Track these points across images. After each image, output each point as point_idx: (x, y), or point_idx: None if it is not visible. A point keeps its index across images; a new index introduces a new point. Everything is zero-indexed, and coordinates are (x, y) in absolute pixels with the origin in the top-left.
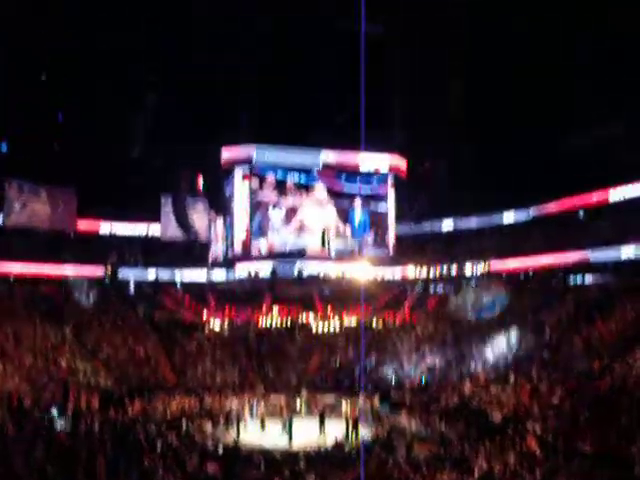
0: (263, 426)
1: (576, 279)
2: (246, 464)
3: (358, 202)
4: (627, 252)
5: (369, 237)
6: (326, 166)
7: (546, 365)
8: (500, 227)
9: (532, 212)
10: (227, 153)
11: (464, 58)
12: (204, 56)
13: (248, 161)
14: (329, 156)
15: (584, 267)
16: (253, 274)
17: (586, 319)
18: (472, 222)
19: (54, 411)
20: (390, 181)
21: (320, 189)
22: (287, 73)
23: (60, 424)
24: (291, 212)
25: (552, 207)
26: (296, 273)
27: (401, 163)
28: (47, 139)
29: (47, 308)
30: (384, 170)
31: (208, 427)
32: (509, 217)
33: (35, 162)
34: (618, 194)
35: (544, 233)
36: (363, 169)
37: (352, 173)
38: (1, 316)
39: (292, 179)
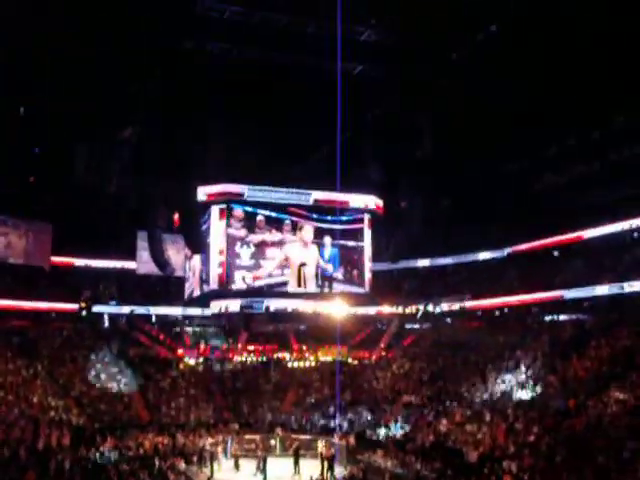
0: (237, 465)
1: (551, 317)
2: None
3: (329, 240)
4: (601, 290)
5: (340, 273)
6: (306, 206)
7: (522, 403)
8: (475, 265)
9: (507, 250)
10: (203, 191)
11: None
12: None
13: (224, 199)
14: (313, 195)
15: (559, 305)
16: (228, 310)
17: (561, 357)
18: (448, 260)
19: None
20: (366, 220)
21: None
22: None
23: None
24: (263, 248)
25: (526, 245)
26: (271, 309)
27: (378, 202)
28: (23, 173)
29: (20, 343)
30: (362, 209)
31: (181, 466)
32: (484, 255)
33: (11, 196)
34: (592, 232)
35: (519, 271)
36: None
37: (326, 212)
38: None
39: (266, 216)
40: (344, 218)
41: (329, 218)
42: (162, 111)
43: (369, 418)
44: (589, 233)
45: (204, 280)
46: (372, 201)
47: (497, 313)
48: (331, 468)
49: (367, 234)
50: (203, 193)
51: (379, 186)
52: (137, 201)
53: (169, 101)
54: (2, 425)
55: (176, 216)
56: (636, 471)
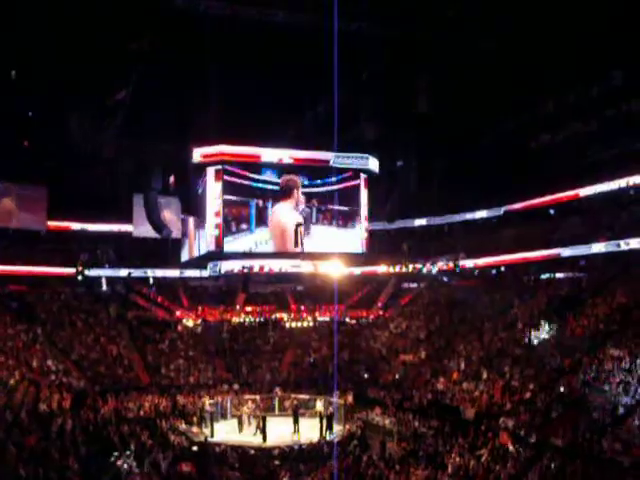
0: (237, 424)
1: (548, 275)
2: (220, 463)
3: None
4: (598, 248)
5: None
6: (299, 165)
7: (518, 361)
8: (472, 224)
9: (503, 209)
10: (198, 152)
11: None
12: (172, 56)
13: (220, 160)
14: (304, 155)
15: (555, 263)
16: (226, 272)
17: (558, 315)
18: (444, 219)
19: None
20: (362, 179)
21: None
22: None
23: None
24: (263, 210)
25: (523, 204)
26: (268, 270)
27: (373, 162)
28: (17, 136)
29: (18, 307)
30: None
31: (182, 426)
32: (481, 214)
33: (5, 160)
34: (589, 190)
35: (515, 229)
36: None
37: (324, 172)
38: None
39: (263, 178)
40: (337, 178)
41: (322, 181)
42: (157, 72)
43: (366, 377)
44: (586, 191)
45: (201, 242)
46: (369, 160)
47: (493, 272)
48: (330, 426)
49: (363, 194)
50: (198, 155)
51: (375, 145)
52: (133, 164)
53: (164, 62)
54: (3, 389)
55: (172, 178)
56: (630, 426)
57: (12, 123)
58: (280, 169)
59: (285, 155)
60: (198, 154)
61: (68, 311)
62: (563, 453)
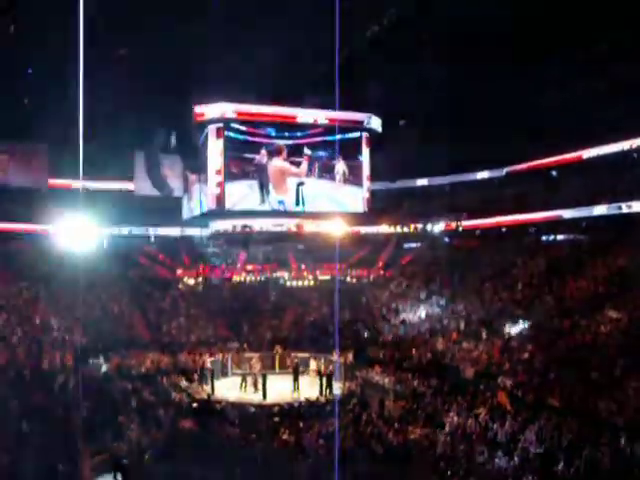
0: (244, 382)
1: (548, 236)
2: (221, 420)
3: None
4: (600, 210)
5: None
6: (301, 124)
7: (517, 322)
8: (473, 184)
9: (505, 170)
10: (200, 110)
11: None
12: (175, 11)
13: (221, 118)
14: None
15: (556, 224)
16: (226, 230)
17: (558, 276)
18: (446, 179)
19: None
20: (364, 138)
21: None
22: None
23: None
24: (263, 169)
25: (525, 165)
26: (269, 229)
27: (374, 121)
28: (17, 94)
29: (20, 265)
30: (358, 127)
31: (183, 383)
32: (483, 175)
33: (5, 118)
34: (592, 152)
35: (517, 190)
36: (337, 126)
37: (325, 130)
38: None
39: (265, 136)
40: (344, 138)
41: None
42: (159, 27)
43: (366, 336)
44: (589, 153)
45: (202, 201)
46: (371, 119)
47: (494, 232)
48: (329, 385)
49: (365, 153)
50: (200, 112)
51: (378, 104)
52: (134, 122)
53: (166, 16)
54: (6, 346)
55: (173, 136)
56: (627, 387)
57: (12, 80)
58: (278, 126)
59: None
60: (199, 111)
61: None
62: (559, 413)
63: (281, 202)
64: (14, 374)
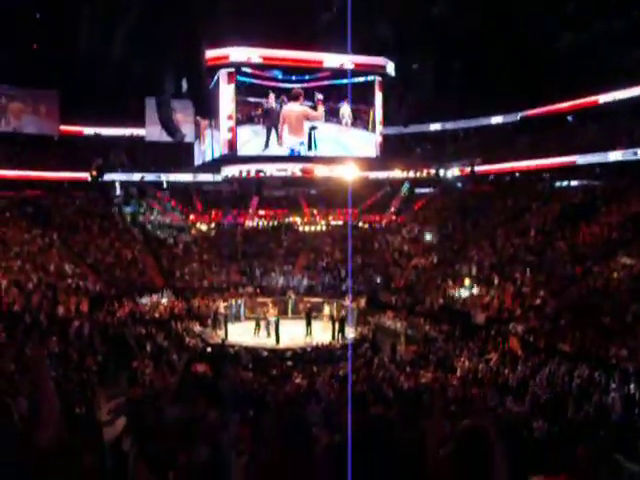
0: (251, 327)
1: (562, 182)
2: (234, 364)
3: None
4: (614, 156)
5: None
6: (315, 68)
7: (530, 268)
8: (487, 129)
9: (520, 115)
10: (211, 54)
11: None
12: None
13: (233, 62)
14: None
15: (571, 170)
16: (239, 176)
17: (571, 222)
18: (459, 124)
19: None
20: (377, 83)
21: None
22: None
23: None
24: (276, 113)
25: (540, 110)
26: (282, 174)
27: (389, 65)
28: (25, 39)
29: (33, 212)
30: (371, 72)
31: (196, 328)
32: (497, 120)
33: (15, 65)
34: (609, 97)
35: (531, 136)
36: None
37: (333, 74)
38: None
39: (271, 79)
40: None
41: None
42: None
43: (379, 281)
44: (605, 97)
45: (214, 145)
46: (384, 63)
47: (508, 178)
48: (342, 329)
49: (378, 97)
50: (211, 57)
51: (392, 48)
52: (145, 67)
53: None
54: (21, 293)
55: (184, 81)
56: (638, 333)
57: (20, 26)
58: (286, 70)
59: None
60: (210, 56)
61: (83, 216)
62: (570, 358)
63: (302, 143)
64: (30, 320)
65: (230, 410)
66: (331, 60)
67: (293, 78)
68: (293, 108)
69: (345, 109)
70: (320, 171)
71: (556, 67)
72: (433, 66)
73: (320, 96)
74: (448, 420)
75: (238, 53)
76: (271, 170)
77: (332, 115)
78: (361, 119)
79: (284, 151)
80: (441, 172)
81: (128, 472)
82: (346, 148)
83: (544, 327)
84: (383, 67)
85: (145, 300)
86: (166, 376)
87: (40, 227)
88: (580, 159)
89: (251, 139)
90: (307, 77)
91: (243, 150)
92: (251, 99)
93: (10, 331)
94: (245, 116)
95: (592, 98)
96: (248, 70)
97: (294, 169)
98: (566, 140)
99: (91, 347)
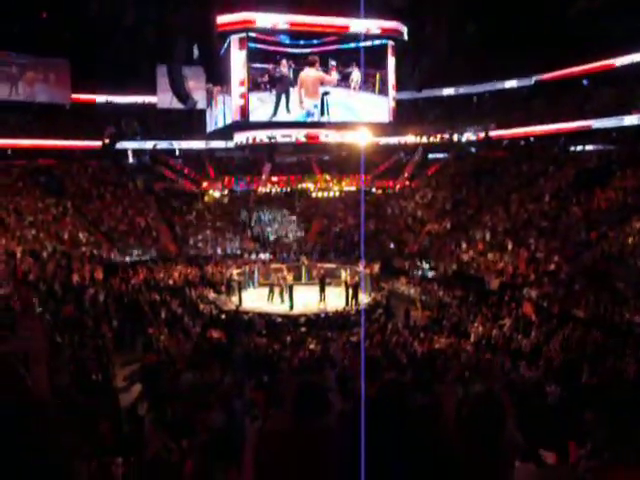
0: (265, 293)
1: (577, 147)
2: (249, 330)
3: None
4: (630, 120)
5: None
6: (328, 33)
7: (544, 233)
8: (502, 93)
9: (535, 79)
10: (222, 19)
11: None
12: None
13: (244, 28)
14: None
15: (586, 135)
16: (252, 142)
17: (585, 187)
18: (473, 88)
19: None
20: (390, 47)
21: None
22: None
23: None
24: (287, 80)
25: (555, 74)
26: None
27: (401, 29)
28: (35, 8)
29: (47, 181)
30: (384, 35)
31: (210, 295)
32: (511, 84)
33: (24, 33)
34: (625, 60)
35: (546, 100)
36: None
37: (341, 38)
38: (0, 190)
39: (290, 46)
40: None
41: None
42: None
43: (392, 247)
44: (622, 60)
45: (226, 112)
46: (397, 26)
47: (522, 143)
48: (355, 295)
49: (391, 62)
50: (222, 22)
51: (404, 11)
52: (156, 33)
53: None
54: (36, 262)
55: (195, 48)
56: None
57: None
58: (297, 35)
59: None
60: (221, 21)
61: (96, 184)
62: (584, 324)
63: (316, 106)
64: (45, 289)
65: (244, 376)
66: (357, 25)
67: (301, 43)
68: (309, 73)
69: (355, 74)
70: (329, 137)
71: (572, 30)
72: (447, 30)
73: (333, 62)
74: (462, 385)
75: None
76: (277, 136)
77: (342, 80)
78: (369, 83)
79: (295, 117)
80: (455, 137)
81: (144, 437)
82: (358, 113)
83: (558, 292)
84: (399, 32)
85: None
86: (181, 342)
87: (54, 196)
88: (595, 123)
89: (258, 107)
90: (315, 41)
91: (264, 116)
92: (257, 65)
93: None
94: (251, 83)
95: (608, 61)
96: (253, 35)
97: (298, 135)
98: (581, 104)
99: (106, 314)
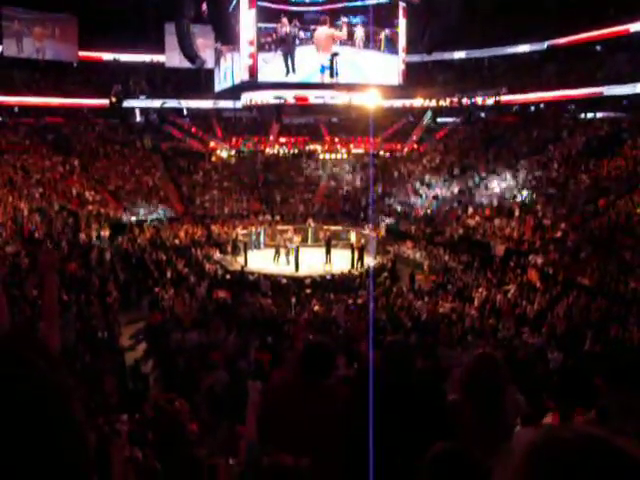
0: (271, 254)
1: (588, 114)
2: (254, 290)
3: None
4: None
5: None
6: None
7: (551, 200)
8: (513, 58)
9: (547, 44)
10: None
11: None
12: None
13: None
14: None
15: (597, 102)
16: (260, 102)
17: (595, 155)
18: (484, 52)
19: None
20: (401, 8)
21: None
22: None
23: None
24: (291, 39)
25: (568, 39)
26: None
27: None
28: None
29: (54, 139)
30: None
31: (216, 255)
32: (523, 48)
33: None
34: (639, 26)
35: (558, 65)
36: None
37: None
38: (8, 148)
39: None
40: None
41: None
42: None
43: (399, 209)
44: (635, 26)
45: (235, 71)
46: None
47: (532, 108)
48: (361, 258)
49: (402, 23)
50: None
51: None
52: None
53: None
54: (44, 219)
55: (204, 5)
56: None
57: None
58: None
59: None
60: None
61: (103, 142)
62: (589, 292)
63: (325, 67)
64: (52, 246)
65: (249, 336)
66: None
67: (306, 1)
68: (321, 32)
69: (359, 31)
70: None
71: None
72: None
73: (345, 19)
74: (465, 349)
75: None
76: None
77: (347, 38)
78: (374, 41)
79: (301, 77)
80: (464, 101)
81: (148, 394)
82: (367, 75)
83: (564, 260)
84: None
85: None
86: (186, 302)
87: (61, 154)
88: (607, 90)
89: (262, 67)
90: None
91: (273, 76)
92: (260, 25)
93: (33, 258)
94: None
95: (622, 27)
96: None
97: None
98: (594, 70)
99: (112, 273)
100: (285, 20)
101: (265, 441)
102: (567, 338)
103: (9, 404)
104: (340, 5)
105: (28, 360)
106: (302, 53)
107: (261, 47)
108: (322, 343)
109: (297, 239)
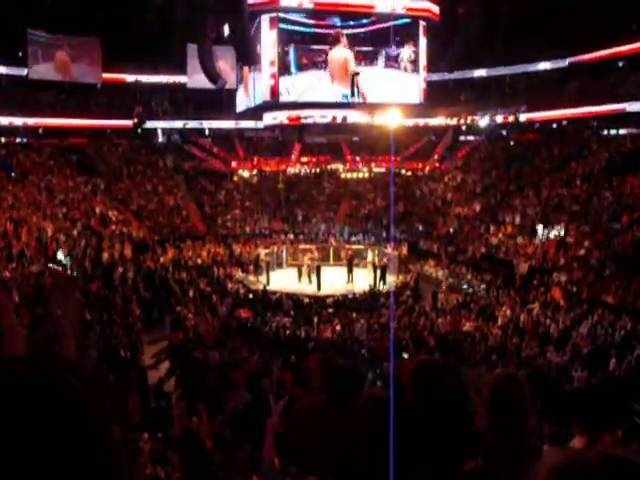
0: (293, 273)
1: (611, 130)
2: (276, 310)
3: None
4: None
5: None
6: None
7: (575, 217)
8: (534, 75)
9: (569, 60)
10: None
11: None
12: None
13: (271, 7)
14: (370, 1)
15: (620, 118)
16: (281, 122)
17: (618, 172)
18: (505, 70)
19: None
20: (422, 27)
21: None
22: None
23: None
24: (317, 60)
25: (590, 55)
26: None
27: (433, 8)
28: None
29: (78, 160)
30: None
31: (238, 274)
32: (544, 65)
33: (56, 12)
34: None
35: (580, 82)
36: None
37: (380, 19)
38: (32, 168)
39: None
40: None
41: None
42: None
43: (421, 229)
44: None
45: (256, 92)
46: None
47: (555, 126)
48: (383, 277)
49: (422, 42)
50: (252, 1)
51: None
52: (185, 12)
53: None
54: (67, 239)
55: (226, 27)
56: None
57: None
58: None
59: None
60: (252, 0)
61: (126, 163)
62: (614, 310)
63: (345, 96)
64: (75, 266)
65: (272, 356)
66: (382, 5)
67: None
68: (335, 53)
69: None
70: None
71: (606, 11)
72: (479, 10)
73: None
74: (488, 368)
75: None
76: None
77: (369, 59)
78: (395, 60)
79: (325, 97)
80: (486, 119)
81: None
82: (388, 94)
83: (588, 278)
84: (431, 12)
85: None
86: (208, 321)
87: (84, 174)
88: (629, 106)
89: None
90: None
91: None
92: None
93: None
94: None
95: None
96: (292, 18)
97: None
98: (616, 87)
99: (135, 292)
100: None
101: (289, 463)
102: (591, 357)
103: (50, 426)
104: (362, 30)
105: (65, 381)
106: (320, 77)
107: (314, 65)
108: (353, 367)
109: (318, 258)
